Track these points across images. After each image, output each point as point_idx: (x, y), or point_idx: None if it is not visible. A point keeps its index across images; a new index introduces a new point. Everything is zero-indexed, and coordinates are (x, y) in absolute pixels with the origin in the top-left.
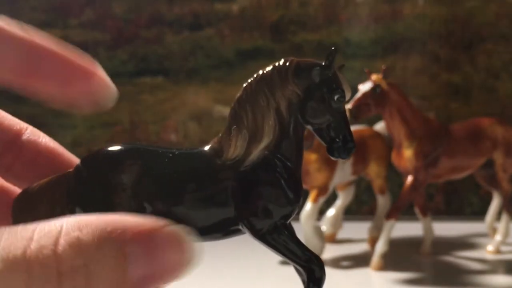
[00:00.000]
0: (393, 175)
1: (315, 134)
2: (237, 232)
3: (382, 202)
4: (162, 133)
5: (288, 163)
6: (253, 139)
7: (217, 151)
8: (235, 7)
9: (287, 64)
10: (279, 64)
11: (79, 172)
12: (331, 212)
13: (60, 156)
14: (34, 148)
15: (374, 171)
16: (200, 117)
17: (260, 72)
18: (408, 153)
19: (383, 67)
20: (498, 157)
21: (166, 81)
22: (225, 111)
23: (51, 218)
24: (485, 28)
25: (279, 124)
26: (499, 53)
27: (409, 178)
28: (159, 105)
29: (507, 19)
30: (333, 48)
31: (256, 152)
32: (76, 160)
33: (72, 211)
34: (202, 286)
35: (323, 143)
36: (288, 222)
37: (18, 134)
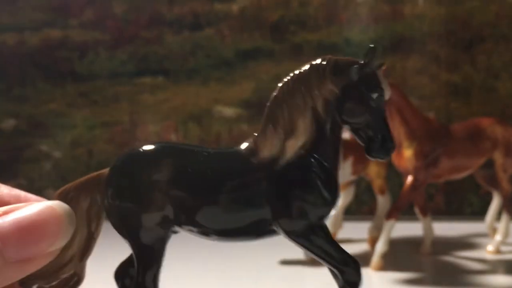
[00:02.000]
0: (393, 175)
1: (352, 133)
2: (272, 233)
3: (382, 202)
4: (162, 133)
5: (325, 163)
6: (289, 138)
7: (252, 151)
8: (235, 7)
9: (325, 62)
10: (316, 62)
11: (117, 170)
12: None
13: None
14: None
15: (374, 171)
16: (200, 117)
17: (297, 71)
18: (408, 153)
19: (383, 67)
20: (498, 157)
21: (166, 81)
22: (225, 111)
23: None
24: (485, 28)
25: (316, 123)
26: (499, 53)
27: (409, 178)
28: (159, 105)
29: (507, 19)
30: (372, 46)
31: (292, 152)
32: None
33: (110, 204)
34: (202, 286)
35: (360, 142)
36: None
37: None
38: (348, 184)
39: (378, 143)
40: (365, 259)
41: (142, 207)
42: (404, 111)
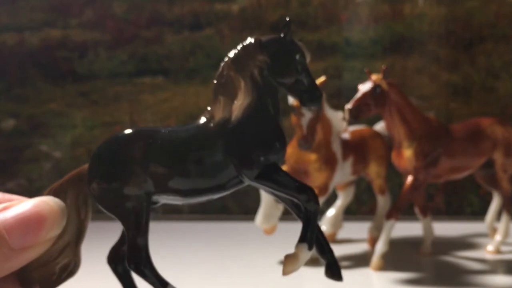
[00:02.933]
0: (393, 175)
1: (288, 93)
2: (237, 184)
3: (382, 202)
4: None
5: (269, 117)
6: (236, 101)
7: (209, 118)
8: (235, 7)
9: (253, 41)
10: (245, 42)
11: (98, 157)
12: (331, 212)
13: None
14: None
15: (374, 171)
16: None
17: (231, 52)
18: (408, 153)
19: (383, 67)
20: (498, 157)
21: (166, 81)
22: None
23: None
24: (485, 28)
25: (255, 87)
26: (499, 53)
27: (409, 178)
28: (159, 105)
29: (507, 19)
30: (287, 19)
31: (241, 111)
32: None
33: (98, 189)
34: (203, 286)
35: (296, 98)
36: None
37: None
38: (348, 184)
39: (309, 93)
40: (365, 259)
41: (126, 183)
42: (404, 111)
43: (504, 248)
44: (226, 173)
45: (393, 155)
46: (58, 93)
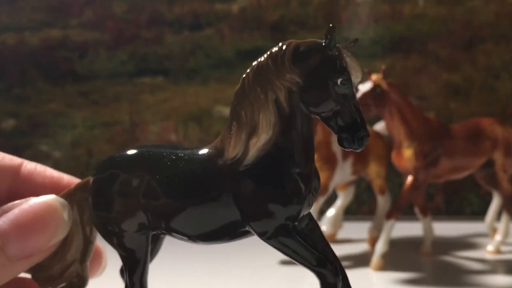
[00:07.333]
0: (393, 175)
1: (324, 124)
2: (246, 233)
3: (382, 202)
4: (162, 133)
5: (292, 159)
6: (252, 136)
7: (219, 151)
8: (235, 7)
9: (283, 48)
10: (274, 49)
11: (94, 181)
12: (331, 212)
13: (57, 180)
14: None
15: (374, 171)
16: (200, 117)
17: (256, 61)
18: (408, 153)
19: (383, 67)
20: (498, 157)
21: (166, 81)
22: (225, 111)
23: (80, 219)
24: (485, 28)
25: (280, 117)
26: (499, 53)
27: (409, 178)
28: (159, 105)
29: (507, 19)
30: (331, 26)
31: (255, 151)
32: (72, 180)
33: (92, 213)
34: (202, 286)
35: (333, 133)
36: (296, 223)
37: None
38: (348, 184)
39: (350, 132)
40: (365, 259)
41: (118, 215)
42: (404, 111)
43: (504, 248)
44: (231, 220)
45: (393, 155)
46: (58, 93)
